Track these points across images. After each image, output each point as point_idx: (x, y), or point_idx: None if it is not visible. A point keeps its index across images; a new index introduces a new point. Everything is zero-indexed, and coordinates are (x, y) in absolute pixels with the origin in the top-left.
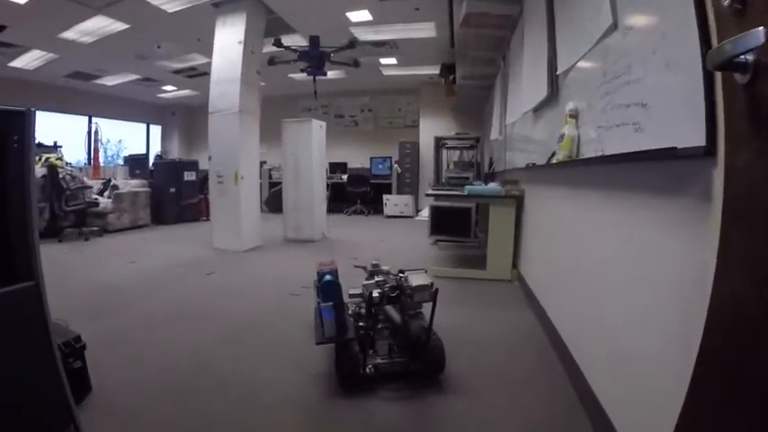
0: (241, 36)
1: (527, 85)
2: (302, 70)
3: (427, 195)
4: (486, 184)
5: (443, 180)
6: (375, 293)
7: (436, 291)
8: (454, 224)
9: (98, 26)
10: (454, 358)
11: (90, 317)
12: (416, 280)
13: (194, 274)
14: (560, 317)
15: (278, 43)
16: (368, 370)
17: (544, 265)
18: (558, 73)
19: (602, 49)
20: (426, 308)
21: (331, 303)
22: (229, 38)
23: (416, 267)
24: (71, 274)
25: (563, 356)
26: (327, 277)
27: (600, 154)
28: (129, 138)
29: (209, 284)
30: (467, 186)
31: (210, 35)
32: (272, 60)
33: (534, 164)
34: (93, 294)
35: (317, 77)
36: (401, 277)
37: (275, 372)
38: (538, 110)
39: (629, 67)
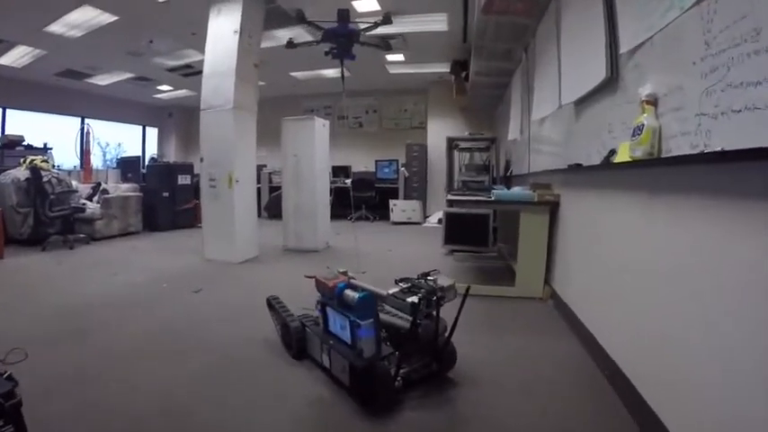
0: (237, 25)
1: (568, 73)
2: (326, 53)
3: (449, 201)
4: (507, 189)
5: (456, 184)
6: (414, 300)
7: (468, 288)
8: (470, 233)
9: (85, 18)
10: (487, 408)
11: (51, 343)
12: (443, 281)
13: (179, 290)
14: (619, 346)
15: (300, 18)
16: (397, 383)
17: (594, 283)
18: (622, 52)
19: (701, 11)
20: None
21: (372, 320)
22: (224, 27)
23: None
24: (44, 289)
25: (627, 396)
26: (350, 292)
27: (700, 150)
28: (128, 140)
29: (195, 305)
30: (494, 191)
31: (205, 29)
32: (290, 43)
33: (579, 165)
34: (62, 314)
35: (345, 61)
36: (430, 280)
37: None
38: (584, 101)
39: (756, 32)
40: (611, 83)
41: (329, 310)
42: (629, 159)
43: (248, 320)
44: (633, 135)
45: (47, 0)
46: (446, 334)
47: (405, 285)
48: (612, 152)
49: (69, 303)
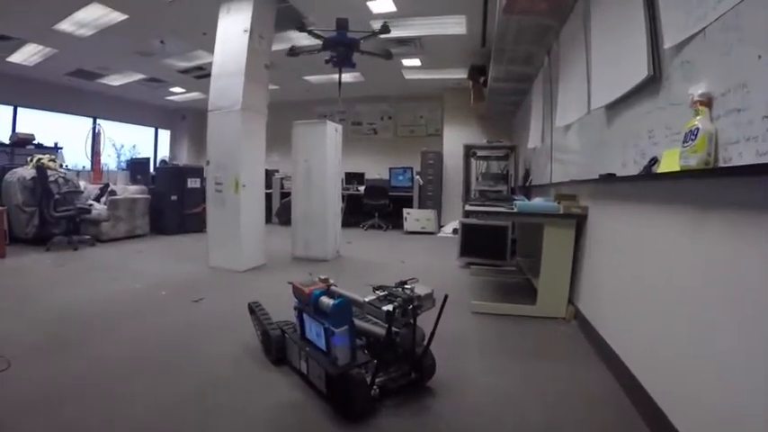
0: (247, 24)
1: (598, 76)
2: (327, 61)
3: (467, 212)
4: (528, 199)
5: (474, 193)
6: (389, 308)
7: (445, 297)
8: (488, 245)
9: (94, 16)
10: None
11: (36, 352)
12: (420, 290)
13: (179, 299)
14: (652, 375)
15: (301, 27)
16: (373, 392)
17: (627, 305)
18: (667, 47)
19: None
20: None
21: (346, 327)
22: (233, 26)
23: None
24: (40, 293)
25: None
26: (326, 299)
27: None
28: (143, 143)
29: (194, 315)
30: (517, 202)
31: (216, 29)
32: (292, 50)
33: (611, 174)
34: (53, 321)
35: (344, 70)
36: (407, 288)
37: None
38: (618, 104)
39: None
40: (652, 83)
41: (305, 317)
42: (679, 169)
43: (249, 333)
44: (685, 141)
45: None
46: (424, 343)
47: (382, 293)
48: (654, 160)
49: (63, 309)
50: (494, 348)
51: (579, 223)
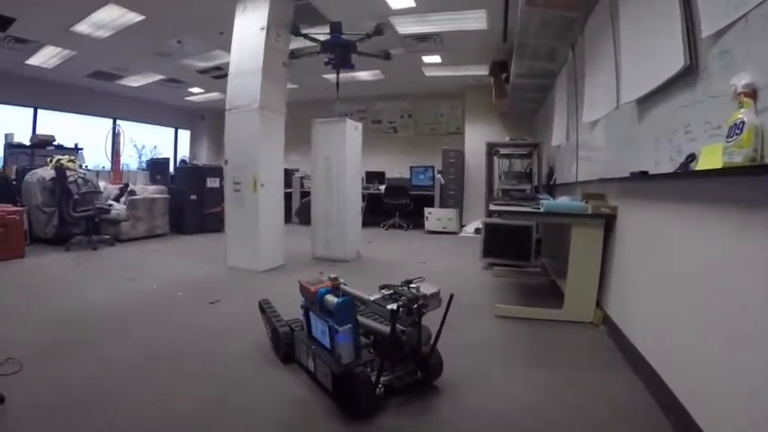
0: (264, 21)
1: (628, 68)
2: (326, 63)
3: (492, 211)
4: (552, 198)
5: (497, 192)
6: (393, 307)
7: (451, 297)
8: (511, 245)
9: (111, 17)
10: None
11: (49, 354)
12: (426, 288)
13: (195, 300)
14: (689, 387)
15: (296, 31)
16: (378, 390)
17: (661, 310)
18: (704, 35)
19: None
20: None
21: (350, 326)
22: (250, 24)
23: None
24: (56, 293)
25: None
26: (330, 297)
27: None
28: (164, 143)
29: (209, 318)
30: (543, 201)
31: (233, 27)
32: (292, 53)
33: (644, 172)
34: (67, 321)
35: (343, 71)
36: (412, 287)
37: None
38: (650, 98)
39: None
40: (688, 74)
41: (312, 315)
42: (722, 166)
43: (265, 338)
44: (729, 136)
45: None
46: (431, 342)
47: (387, 292)
48: (692, 157)
49: (77, 310)
50: (518, 354)
51: (608, 223)
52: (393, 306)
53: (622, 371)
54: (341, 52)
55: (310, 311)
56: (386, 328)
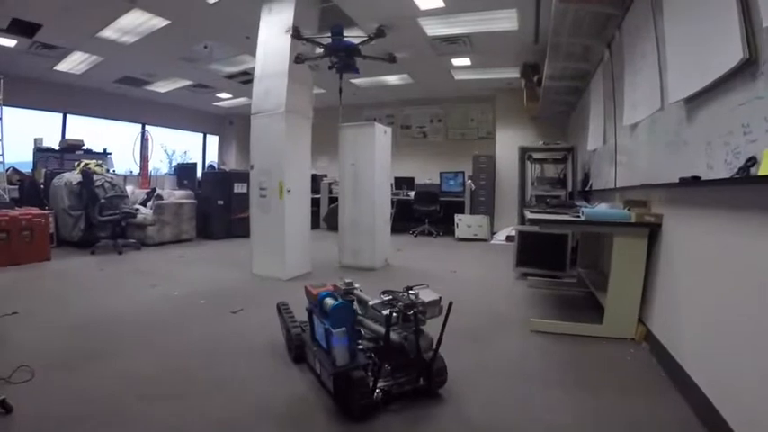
0: (289, 23)
1: (675, 65)
2: (330, 68)
3: (529, 220)
4: (589, 205)
5: (530, 199)
6: (386, 312)
7: (450, 304)
8: (546, 254)
9: (137, 23)
10: None
11: (63, 364)
12: (426, 296)
13: (218, 309)
14: (746, 416)
15: (296, 34)
16: (375, 395)
17: (716, 330)
18: (766, 24)
19: None
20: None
21: (344, 329)
22: (275, 26)
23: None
24: (77, 298)
25: None
26: (329, 300)
27: None
28: (194, 148)
29: (231, 328)
30: (585, 209)
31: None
32: (299, 57)
33: (696, 178)
34: (84, 328)
35: (347, 76)
36: (411, 294)
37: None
38: (702, 96)
39: None
40: (747, 68)
41: (314, 318)
42: None
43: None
44: None
45: (96, 5)
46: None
47: (386, 297)
48: (752, 161)
49: (96, 317)
50: (555, 377)
51: (652, 233)
52: (387, 311)
53: (667, 392)
54: (344, 56)
55: (313, 314)
56: (394, 335)
